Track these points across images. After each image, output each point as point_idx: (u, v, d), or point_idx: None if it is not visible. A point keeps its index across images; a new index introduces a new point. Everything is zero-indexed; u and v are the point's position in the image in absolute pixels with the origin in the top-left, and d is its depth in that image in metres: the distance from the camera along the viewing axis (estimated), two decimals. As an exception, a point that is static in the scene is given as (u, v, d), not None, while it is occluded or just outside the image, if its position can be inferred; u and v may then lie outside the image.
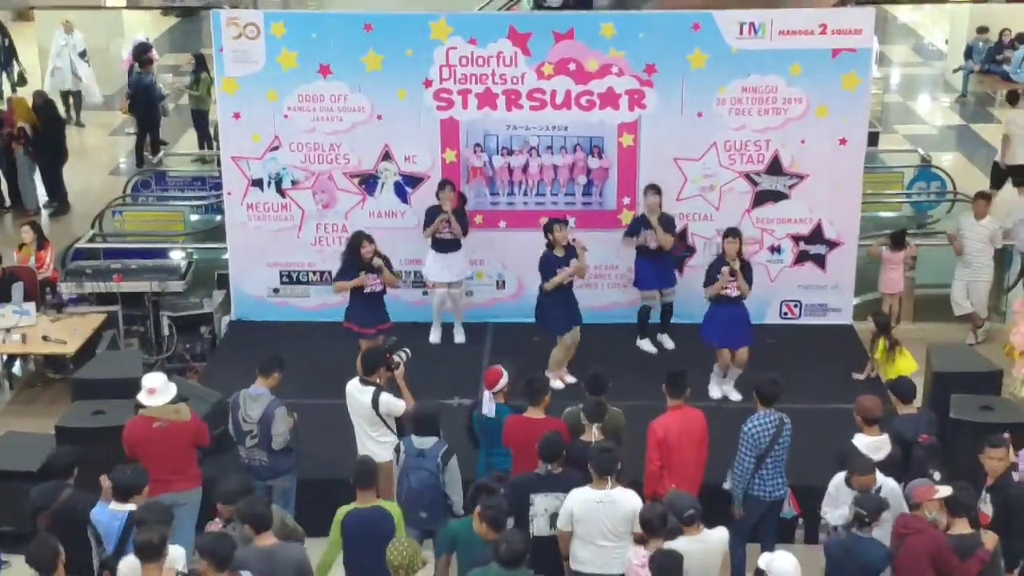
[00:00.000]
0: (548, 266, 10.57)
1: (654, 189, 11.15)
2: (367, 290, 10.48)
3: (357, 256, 10.47)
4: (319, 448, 9.39)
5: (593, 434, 8.30)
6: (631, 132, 11.58)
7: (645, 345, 11.55)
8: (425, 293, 11.89)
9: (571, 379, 10.73)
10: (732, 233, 10.38)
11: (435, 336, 11.66)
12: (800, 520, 8.95)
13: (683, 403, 8.63)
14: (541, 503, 7.90)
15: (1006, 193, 13.00)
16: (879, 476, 7.82)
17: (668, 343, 11.59)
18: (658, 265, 11.31)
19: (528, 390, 8.60)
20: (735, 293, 10.32)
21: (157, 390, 8.58)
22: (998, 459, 7.92)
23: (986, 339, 12.45)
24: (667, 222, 11.21)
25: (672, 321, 11.56)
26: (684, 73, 11.40)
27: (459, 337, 11.75)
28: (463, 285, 11.70)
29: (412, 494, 8.15)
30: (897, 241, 12.44)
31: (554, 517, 7.81)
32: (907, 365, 10.53)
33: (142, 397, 8.63)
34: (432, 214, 11.26)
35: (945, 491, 7.55)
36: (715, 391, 10.60)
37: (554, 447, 7.95)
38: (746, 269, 10.43)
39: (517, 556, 6.81)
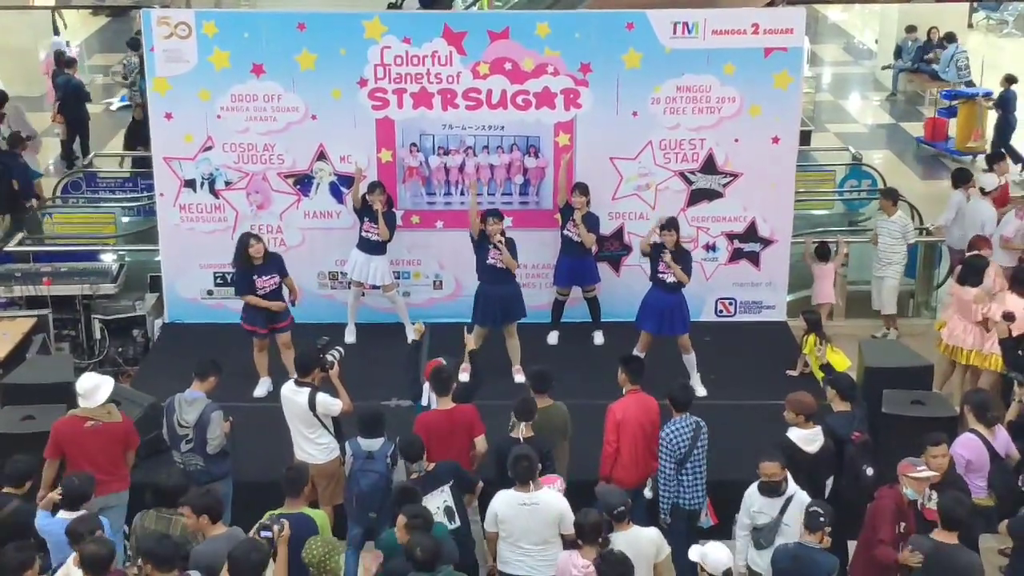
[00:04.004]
0: (477, 247, 10.71)
1: (580, 188, 11.18)
2: (260, 292, 10.37)
3: (247, 257, 10.35)
4: (255, 451, 9.31)
5: (521, 431, 8.30)
6: (567, 131, 11.60)
7: (551, 338, 11.60)
8: (363, 294, 11.77)
9: (521, 377, 10.74)
10: (669, 225, 10.40)
11: (350, 336, 11.53)
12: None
13: (640, 389, 8.72)
14: (432, 502, 7.82)
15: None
16: (792, 485, 7.81)
17: (599, 339, 11.63)
18: (577, 263, 11.36)
19: (435, 381, 8.61)
20: (671, 279, 10.36)
21: (84, 394, 8.49)
22: (941, 456, 7.91)
23: (922, 332, 12.62)
24: (592, 221, 11.25)
25: (610, 320, 11.58)
26: (619, 72, 11.44)
27: (412, 336, 11.69)
28: (395, 288, 11.63)
29: (363, 497, 8.21)
30: (822, 255, 12.50)
31: (448, 511, 7.83)
32: (839, 362, 10.65)
33: (81, 403, 8.53)
34: (361, 214, 11.26)
35: (925, 473, 7.63)
36: None
37: (415, 448, 7.99)
38: (683, 257, 10.45)
39: (432, 558, 6.87)
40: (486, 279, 10.70)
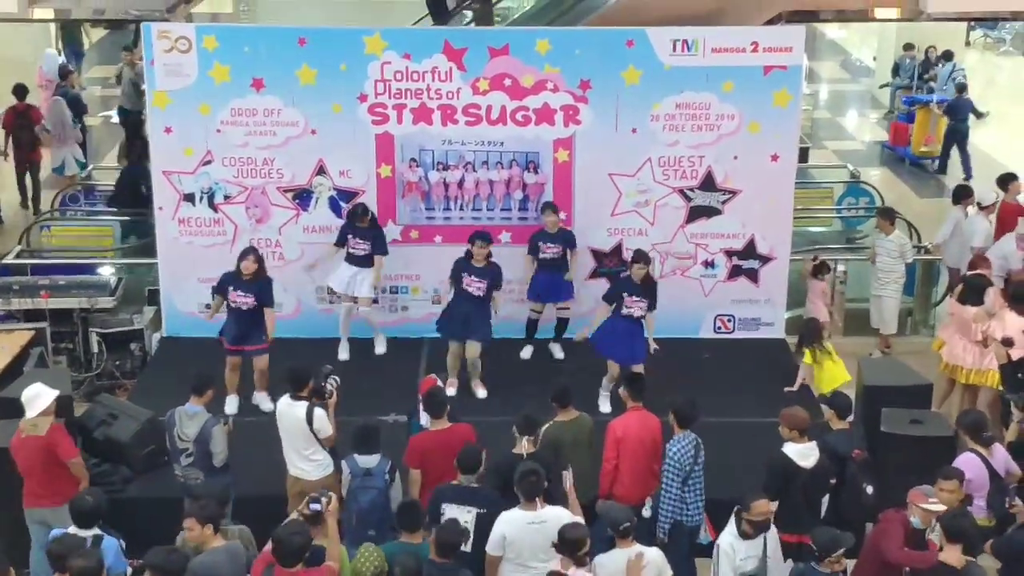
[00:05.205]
0: (455, 271, 10.75)
1: (552, 208, 11.21)
2: (232, 304, 10.32)
3: (238, 267, 10.33)
4: (252, 465, 9.27)
5: (523, 447, 8.29)
6: (566, 148, 11.61)
7: (525, 352, 11.60)
8: (358, 309, 11.79)
9: (482, 393, 10.84)
10: (641, 258, 10.41)
11: (343, 353, 11.52)
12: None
13: (642, 406, 8.71)
14: (451, 514, 7.78)
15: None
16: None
17: (558, 353, 11.64)
18: (551, 279, 11.33)
19: (429, 404, 8.59)
20: (639, 313, 10.34)
21: (27, 402, 8.50)
22: (949, 491, 7.81)
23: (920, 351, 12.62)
24: (568, 239, 11.27)
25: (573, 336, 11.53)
26: (618, 89, 11.46)
27: (380, 348, 11.69)
28: (371, 304, 11.55)
29: (362, 514, 8.14)
30: (817, 270, 12.48)
31: (465, 532, 7.65)
32: (839, 375, 10.65)
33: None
34: (344, 228, 11.31)
35: (936, 506, 7.58)
36: (605, 405, 10.55)
37: (474, 458, 7.96)
38: (652, 290, 10.44)
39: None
40: (462, 296, 10.76)
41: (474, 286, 10.63)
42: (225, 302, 10.37)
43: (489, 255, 10.73)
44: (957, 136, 18.44)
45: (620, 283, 10.53)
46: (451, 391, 10.40)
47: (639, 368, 10.25)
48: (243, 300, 10.26)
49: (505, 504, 7.81)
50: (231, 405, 10.50)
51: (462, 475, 7.96)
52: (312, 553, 6.98)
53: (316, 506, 7.19)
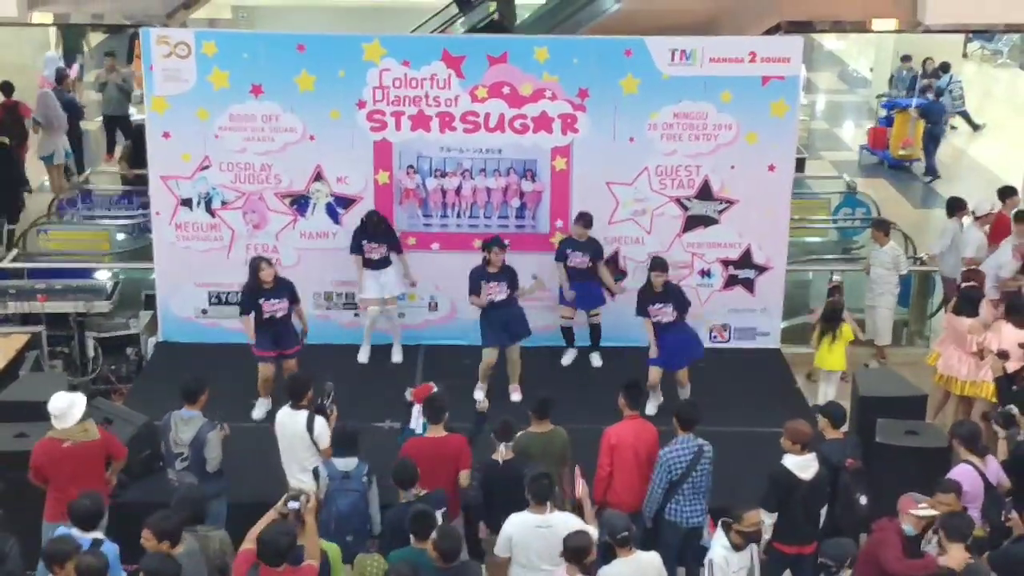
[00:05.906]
0: (473, 279, 10.73)
1: (586, 220, 11.22)
2: (266, 315, 10.35)
3: (257, 281, 10.35)
4: (248, 472, 9.27)
5: (501, 453, 8.32)
6: (564, 156, 11.64)
7: (566, 359, 11.65)
8: (356, 314, 11.83)
9: (517, 396, 10.82)
10: (658, 266, 10.51)
11: (363, 356, 11.62)
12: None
13: (639, 415, 8.74)
14: None
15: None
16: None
17: (596, 361, 11.66)
18: (581, 287, 11.37)
19: (429, 409, 8.58)
20: (668, 319, 10.42)
21: (59, 415, 8.40)
22: (947, 504, 7.81)
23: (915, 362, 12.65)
24: (596, 249, 11.32)
25: (606, 344, 11.60)
26: (616, 98, 11.48)
27: (396, 357, 11.72)
28: (397, 303, 11.64)
29: (342, 518, 8.08)
30: (830, 293, 12.48)
31: None
32: (830, 361, 11.02)
33: (55, 423, 8.45)
34: (357, 236, 11.34)
35: (925, 512, 7.62)
36: (651, 407, 10.61)
37: (409, 472, 7.92)
38: (676, 293, 10.57)
39: None
40: (490, 307, 10.75)
41: (495, 291, 10.65)
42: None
43: (503, 260, 10.74)
44: (930, 139, 18.87)
45: (642, 297, 10.62)
46: (479, 395, 10.36)
47: (682, 372, 10.58)
48: (278, 307, 10.35)
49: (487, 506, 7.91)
50: (261, 409, 10.50)
51: (401, 491, 7.90)
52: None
53: (294, 504, 7.18)
